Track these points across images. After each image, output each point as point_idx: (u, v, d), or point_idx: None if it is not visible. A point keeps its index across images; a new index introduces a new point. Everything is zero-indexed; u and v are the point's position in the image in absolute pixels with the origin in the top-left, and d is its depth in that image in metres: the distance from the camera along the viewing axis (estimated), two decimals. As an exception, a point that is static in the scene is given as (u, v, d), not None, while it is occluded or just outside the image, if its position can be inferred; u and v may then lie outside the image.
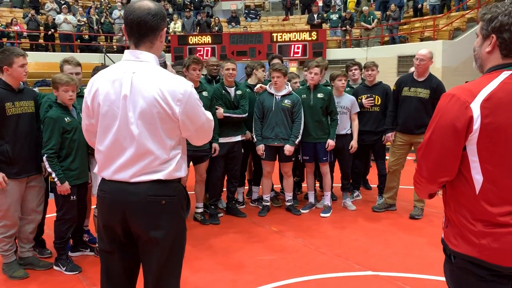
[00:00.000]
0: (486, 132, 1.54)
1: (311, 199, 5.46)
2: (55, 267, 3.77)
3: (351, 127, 5.35)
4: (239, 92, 5.02)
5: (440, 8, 14.91)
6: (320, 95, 5.07)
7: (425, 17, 15.23)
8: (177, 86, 1.92)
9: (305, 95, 5.13)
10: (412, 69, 5.18)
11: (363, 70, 5.74)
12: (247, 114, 5.02)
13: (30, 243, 3.83)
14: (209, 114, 2.09)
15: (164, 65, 2.36)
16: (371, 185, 6.30)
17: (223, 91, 4.90)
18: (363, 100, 5.39)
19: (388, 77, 10.76)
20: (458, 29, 13.89)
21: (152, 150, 1.91)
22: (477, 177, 1.59)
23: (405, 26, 15.61)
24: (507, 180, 1.58)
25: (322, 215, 5.18)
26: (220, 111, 4.83)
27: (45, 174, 3.74)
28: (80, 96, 4.02)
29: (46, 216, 4.09)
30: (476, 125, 1.53)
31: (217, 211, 5.12)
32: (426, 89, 4.83)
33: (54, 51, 15.10)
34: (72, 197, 3.67)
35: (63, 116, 3.60)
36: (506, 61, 1.60)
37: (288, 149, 4.96)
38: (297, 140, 5.01)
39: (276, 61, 5.67)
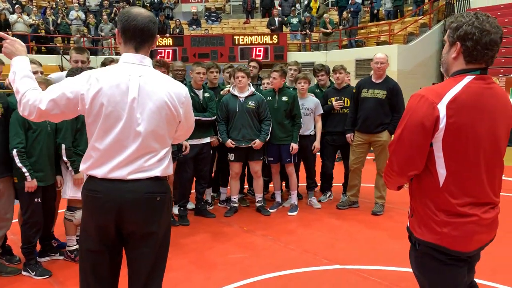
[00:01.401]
0: (450, 130, 1.69)
1: (278, 198, 5.61)
2: (24, 273, 3.71)
3: (315, 128, 5.55)
4: (207, 94, 5.10)
5: (394, 14, 15.54)
6: (284, 98, 5.23)
7: (381, 22, 15.82)
8: (181, 89, 2.13)
9: (270, 98, 5.28)
10: (372, 72, 5.44)
11: (331, 73, 5.95)
12: (215, 116, 5.12)
13: (-4, 249, 3.75)
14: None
15: None
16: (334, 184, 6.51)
17: (192, 94, 4.96)
18: (334, 103, 5.58)
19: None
20: (412, 34, 14.52)
21: (155, 148, 2.04)
22: (441, 171, 1.75)
23: (362, 31, 16.14)
24: (467, 174, 1.75)
25: (289, 213, 5.34)
26: None
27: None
28: None
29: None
30: (442, 124, 1.68)
31: (186, 212, 5.16)
32: (383, 90, 5.11)
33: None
34: (36, 199, 3.63)
35: None
36: (469, 67, 1.77)
37: (258, 144, 5.09)
38: (267, 137, 5.15)
39: (253, 64, 5.88)
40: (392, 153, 1.84)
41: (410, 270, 1.99)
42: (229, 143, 5.09)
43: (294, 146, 5.25)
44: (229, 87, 5.33)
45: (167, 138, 2.08)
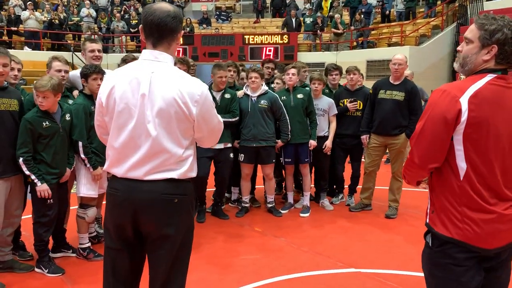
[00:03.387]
0: (471, 124, 1.72)
1: (290, 199, 5.56)
2: (36, 270, 3.70)
3: (329, 129, 5.49)
4: (227, 96, 5.01)
5: (406, 15, 15.43)
6: (299, 96, 5.18)
7: (392, 23, 15.70)
8: (195, 87, 1.99)
9: (285, 97, 5.22)
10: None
11: (344, 73, 5.86)
12: (237, 118, 5.03)
13: (9, 246, 3.72)
14: (220, 117, 2.17)
15: None
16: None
17: None
18: (348, 105, 5.48)
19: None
20: (424, 35, 14.39)
21: (168, 148, 1.96)
22: (462, 165, 1.76)
23: (373, 32, 16.03)
24: (487, 168, 1.76)
25: (301, 215, 5.29)
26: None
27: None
28: (65, 96, 3.96)
29: (22, 217, 4.01)
30: (464, 117, 1.71)
31: (204, 208, 5.13)
32: (402, 91, 5.03)
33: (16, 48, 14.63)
34: (49, 200, 3.61)
35: (41, 120, 3.50)
36: (497, 67, 1.78)
37: (279, 144, 5.10)
38: (289, 137, 5.11)
39: (270, 65, 5.90)
40: (414, 145, 1.86)
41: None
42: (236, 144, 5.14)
43: (313, 142, 5.22)
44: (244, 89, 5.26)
45: (181, 138, 1.98)
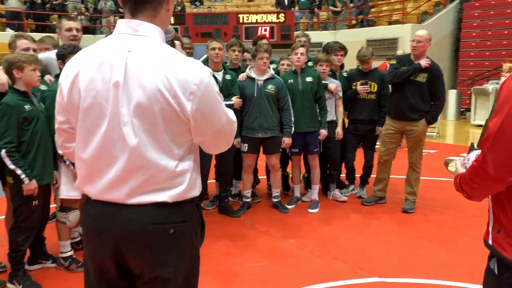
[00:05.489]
0: None
1: (297, 193, 5.06)
2: (9, 285, 3.18)
3: (335, 113, 4.98)
4: (228, 77, 4.43)
5: (407, -8, 14.81)
6: (308, 79, 4.63)
7: (393, 1, 15.08)
8: (191, 73, 1.38)
9: (292, 80, 4.67)
10: (400, 51, 4.82)
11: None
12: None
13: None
14: (231, 113, 1.54)
15: (171, 43, 1.73)
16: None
17: None
18: (358, 87, 4.96)
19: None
20: (426, 12, 13.84)
21: (154, 160, 1.38)
22: None
23: (373, 10, 15.40)
24: None
25: (310, 210, 4.79)
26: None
27: None
28: None
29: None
30: None
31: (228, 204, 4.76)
32: (424, 72, 4.49)
33: None
34: (34, 202, 3.08)
35: (23, 104, 2.99)
36: None
37: (287, 142, 4.55)
38: (292, 130, 4.56)
39: (265, 41, 5.18)
40: (488, 151, 1.36)
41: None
42: (236, 143, 4.47)
43: (324, 132, 4.71)
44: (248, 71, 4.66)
45: (171, 145, 1.41)
